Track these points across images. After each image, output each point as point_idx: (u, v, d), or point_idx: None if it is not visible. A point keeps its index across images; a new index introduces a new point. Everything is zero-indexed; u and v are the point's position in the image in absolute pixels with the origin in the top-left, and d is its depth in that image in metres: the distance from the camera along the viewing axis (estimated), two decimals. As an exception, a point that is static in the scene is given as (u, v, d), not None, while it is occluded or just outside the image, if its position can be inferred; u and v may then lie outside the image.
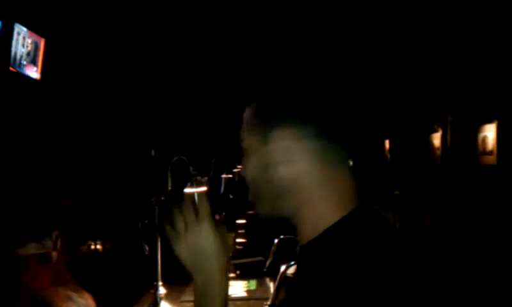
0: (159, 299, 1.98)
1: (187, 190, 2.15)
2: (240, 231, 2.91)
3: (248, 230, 2.99)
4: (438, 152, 5.62)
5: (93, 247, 3.84)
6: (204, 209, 0.86)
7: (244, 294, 2.38)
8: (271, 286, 2.34)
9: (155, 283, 1.99)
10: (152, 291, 2.00)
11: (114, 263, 3.68)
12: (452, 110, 5.27)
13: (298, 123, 0.76)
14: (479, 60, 4.46)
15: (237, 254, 2.94)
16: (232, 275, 2.78)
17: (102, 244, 3.87)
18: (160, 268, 1.99)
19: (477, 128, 4.64)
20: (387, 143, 7.67)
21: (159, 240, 2.00)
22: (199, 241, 0.85)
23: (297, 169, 0.76)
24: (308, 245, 0.77)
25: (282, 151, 0.76)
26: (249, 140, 0.81)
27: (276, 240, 2.50)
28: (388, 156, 7.56)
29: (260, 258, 2.79)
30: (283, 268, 1.94)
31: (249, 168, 0.82)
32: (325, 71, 0.80)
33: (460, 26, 4.14)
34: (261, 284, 2.48)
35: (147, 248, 1.97)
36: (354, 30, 4.19)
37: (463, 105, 5.01)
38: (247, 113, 0.83)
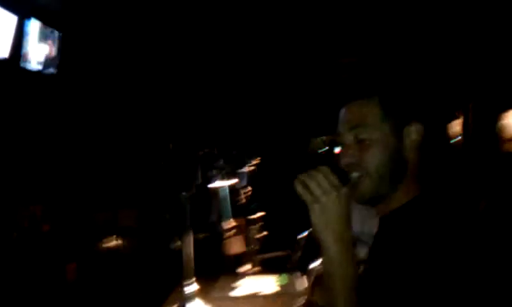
0: (192, 295, 1.93)
1: (217, 183, 2.09)
2: (259, 224, 2.85)
3: (267, 223, 2.94)
4: (459, 139, 5.57)
5: (115, 242, 3.83)
6: (334, 179, 0.86)
7: (278, 289, 2.32)
8: (304, 280, 2.26)
9: (187, 279, 1.94)
10: (185, 287, 1.95)
11: (144, 259, 3.64)
12: (474, 97, 5.20)
13: (425, 119, 0.91)
14: (501, 47, 4.37)
15: (261, 248, 2.89)
16: (257, 269, 2.74)
17: (123, 240, 3.85)
18: (194, 264, 1.94)
19: (498, 115, 4.59)
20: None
21: (191, 234, 1.94)
22: (335, 208, 0.85)
23: (418, 156, 0.92)
24: (393, 213, 0.91)
25: (413, 141, 0.91)
26: (375, 134, 0.90)
27: (305, 233, 2.42)
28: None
29: (285, 253, 2.72)
30: (317, 263, 1.86)
31: (372, 158, 0.90)
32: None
33: (481, 12, 4.05)
34: (293, 278, 2.41)
35: (179, 243, 1.91)
36: (378, 20, 4.10)
37: (485, 92, 4.93)
38: (362, 110, 0.92)
